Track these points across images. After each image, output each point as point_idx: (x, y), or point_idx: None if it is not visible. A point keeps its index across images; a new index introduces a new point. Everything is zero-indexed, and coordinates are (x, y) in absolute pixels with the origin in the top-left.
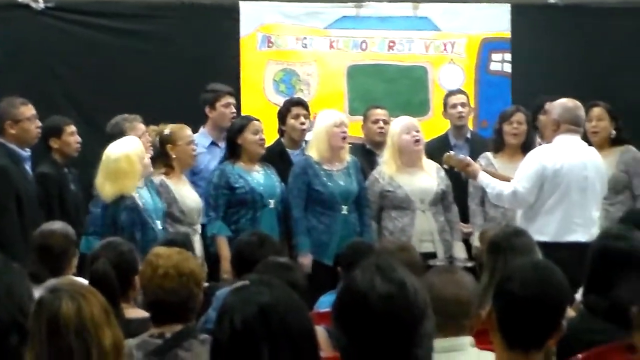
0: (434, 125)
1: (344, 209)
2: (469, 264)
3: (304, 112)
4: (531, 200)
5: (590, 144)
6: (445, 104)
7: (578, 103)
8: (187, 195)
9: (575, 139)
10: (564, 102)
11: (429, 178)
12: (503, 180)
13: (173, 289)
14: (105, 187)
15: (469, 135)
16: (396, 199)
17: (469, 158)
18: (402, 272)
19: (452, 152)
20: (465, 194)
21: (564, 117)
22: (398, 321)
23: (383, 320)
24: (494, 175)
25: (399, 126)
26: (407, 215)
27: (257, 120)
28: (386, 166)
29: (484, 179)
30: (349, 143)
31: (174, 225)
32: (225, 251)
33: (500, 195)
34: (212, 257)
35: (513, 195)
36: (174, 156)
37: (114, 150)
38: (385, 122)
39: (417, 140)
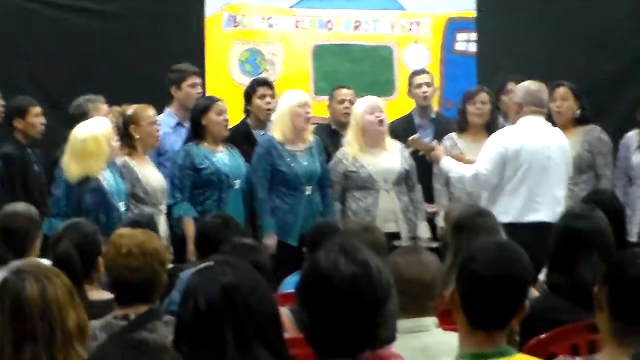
0: (399, 105)
1: (308, 190)
2: (434, 245)
3: (270, 92)
4: (494, 182)
5: (555, 124)
6: (410, 84)
7: (542, 85)
8: (151, 175)
9: (539, 120)
10: (527, 85)
11: (392, 158)
12: (466, 164)
13: (137, 267)
14: (71, 167)
15: (433, 116)
16: (360, 179)
17: (434, 142)
18: (366, 253)
19: (417, 136)
20: (430, 174)
21: (526, 100)
22: (362, 302)
23: (347, 301)
24: (458, 159)
25: (362, 107)
26: (371, 195)
27: (221, 100)
28: (349, 147)
29: (446, 164)
30: (315, 123)
31: (138, 206)
32: (192, 233)
33: (463, 179)
34: (178, 239)
35: (475, 177)
36: (137, 137)
37: (82, 131)
38: (351, 103)
39: (381, 121)
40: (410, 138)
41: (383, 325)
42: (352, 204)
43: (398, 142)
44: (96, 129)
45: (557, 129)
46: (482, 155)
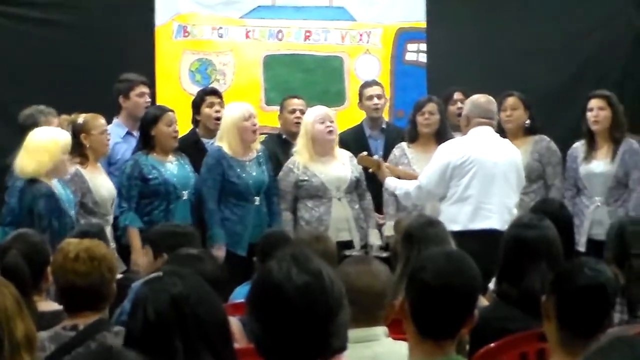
0: (350, 115)
1: (257, 200)
2: (384, 254)
3: (218, 100)
4: (438, 193)
5: (504, 134)
6: (360, 95)
7: (490, 98)
8: (102, 184)
9: (487, 130)
10: (475, 98)
11: (342, 167)
12: (412, 178)
13: (85, 272)
14: (23, 162)
15: (384, 126)
16: (312, 187)
17: (381, 160)
18: (318, 263)
19: (365, 153)
20: (378, 183)
21: (474, 112)
22: (314, 311)
23: (299, 311)
24: (405, 174)
25: (312, 116)
26: (323, 204)
27: (171, 111)
28: (299, 156)
29: (390, 183)
30: (265, 133)
31: (86, 216)
32: (136, 242)
33: (408, 194)
34: (123, 249)
35: (418, 190)
36: (87, 145)
37: (42, 131)
38: (302, 112)
39: (331, 131)
40: (359, 155)
41: (335, 334)
42: (305, 213)
43: (347, 151)
44: (57, 135)
45: (506, 139)
46: (427, 168)
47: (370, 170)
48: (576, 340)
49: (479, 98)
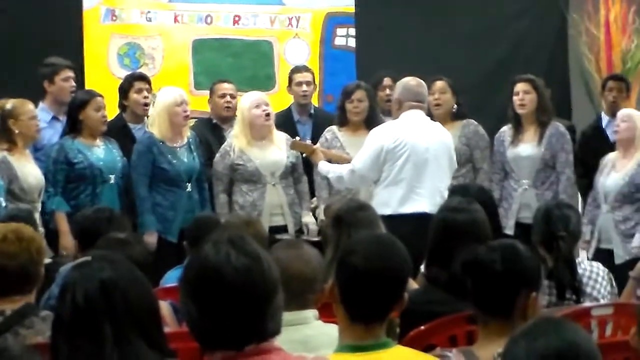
0: (280, 99)
1: (188, 186)
2: (315, 238)
3: (147, 86)
4: (371, 177)
5: (432, 117)
6: (290, 80)
7: (420, 81)
8: (30, 172)
9: (418, 114)
10: (406, 81)
11: (279, 151)
12: (344, 162)
13: (13, 253)
14: None
15: (312, 111)
16: (246, 172)
17: (315, 146)
18: (255, 246)
19: (298, 138)
20: (311, 167)
21: (405, 95)
22: (253, 294)
23: (239, 294)
24: (337, 157)
25: (248, 101)
26: (257, 189)
27: (100, 95)
28: (236, 139)
29: (323, 167)
30: (195, 118)
31: (14, 202)
32: (64, 227)
33: (341, 178)
34: (51, 234)
35: (351, 174)
36: (16, 131)
37: None
38: (232, 97)
39: (267, 115)
40: (292, 140)
41: (271, 317)
42: (239, 198)
43: (284, 134)
44: None
45: (437, 122)
46: (360, 152)
47: (304, 154)
48: (489, 320)
49: (409, 81)
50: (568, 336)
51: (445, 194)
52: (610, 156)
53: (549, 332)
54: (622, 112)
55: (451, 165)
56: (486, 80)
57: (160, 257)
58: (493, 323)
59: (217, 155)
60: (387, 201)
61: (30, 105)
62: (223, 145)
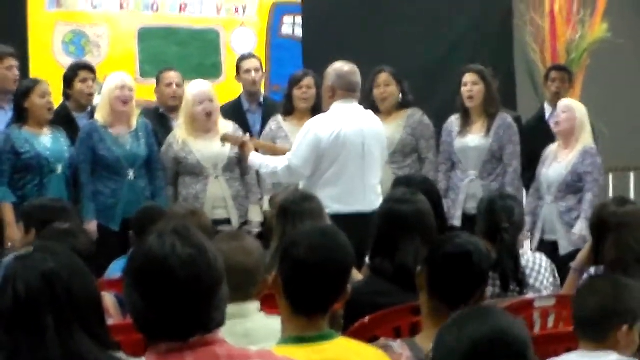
0: (227, 88)
1: (131, 174)
2: (256, 230)
3: (92, 76)
4: (307, 173)
5: (377, 109)
6: (238, 68)
7: (353, 67)
8: None
9: (352, 106)
10: (339, 67)
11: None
12: (280, 153)
13: None
14: None
15: (262, 100)
16: (188, 165)
17: (246, 137)
18: (200, 237)
19: (227, 132)
20: None
21: (338, 82)
22: (199, 285)
23: (185, 285)
24: (271, 149)
25: (192, 95)
26: (199, 182)
27: (45, 82)
28: (180, 130)
29: (255, 160)
30: (141, 106)
31: None
32: (10, 217)
33: (275, 172)
34: None
35: (287, 169)
36: None
37: None
38: (178, 85)
39: (209, 113)
40: (222, 134)
41: (217, 308)
42: (182, 190)
43: (231, 124)
44: None
45: (369, 112)
46: (294, 145)
47: (234, 148)
48: (445, 311)
49: (342, 67)
50: (498, 323)
51: (379, 189)
52: (552, 147)
53: (480, 319)
54: (561, 103)
55: (383, 157)
56: (432, 69)
57: (103, 246)
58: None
59: (163, 147)
60: (323, 200)
61: None
62: (168, 137)
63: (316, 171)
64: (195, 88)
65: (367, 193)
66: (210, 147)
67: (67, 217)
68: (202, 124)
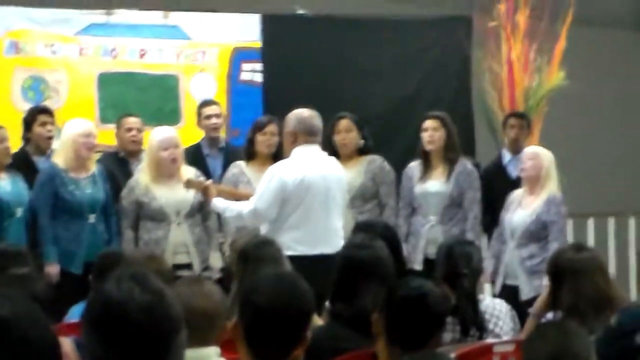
0: (185, 134)
1: (91, 218)
2: (217, 275)
3: (51, 119)
4: (272, 216)
5: (337, 155)
6: (199, 114)
7: (313, 112)
8: None
9: (314, 150)
10: (299, 112)
11: (185, 190)
12: (242, 197)
13: None
14: None
15: (222, 145)
16: (150, 210)
17: (209, 182)
18: (158, 283)
19: (191, 177)
20: None
21: (299, 128)
22: (158, 331)
23: (143, 331)
24: (233, 193)
25: (156, 140)
26: (161, 228)
27: (2, 128)
28: (143, 175)
29: (219, 204)
30: (100, 151)
31: None
32: None
33: (241, 215)
34: None
35: (253, 213)
36: None
37: None
38: (139, 130)
39: (174, 159)
40: (186, 179)
41: (175, 354)
42: (144, 234)
43: (193, 170)
44: None
45: (331, 157)
46: (259, 189)
47: (196, 192)
48: (403, 356)
49: (303, 112)
50: None
51: (341, 232)
52: (517, 193)
53: None
54: (528, 150)
55: (344, 201)
56: (391, 115)
57: (63, 290)
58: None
59: (124, 190)
60: (288, 243)
61: None
62: (130, 180)
63: (281, 214)
64: (160, 134)
65: (331, 235)
66: (174, 194)
67: (23, 262)
68: (166, 169)
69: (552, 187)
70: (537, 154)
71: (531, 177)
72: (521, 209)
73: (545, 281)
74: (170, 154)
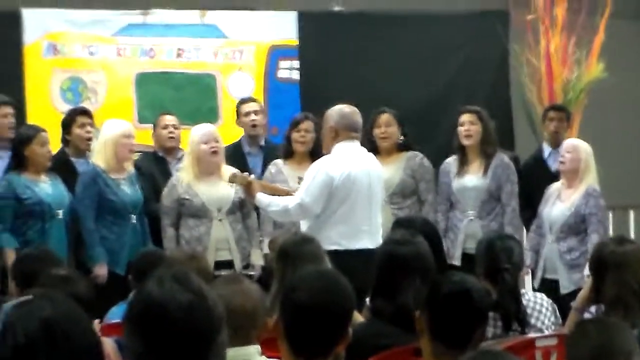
0: (224, 133)
1: (133, 218)
2: (253, 273)
3: (89, 121)
4: (317, 210)
5: (377, 150)
6: (238, 112)
7: (354, 109)
8: None
9: (355, 146)
10: (340, 108)
11: (226, 186)
12: (282, 194)
13: None
14: None
15: (263, 143)
16: (193, 207)
17: (252, 177)
18: (199, 282)
19: (236, 172)
20: None
21: (341, 123)
22: (198, 331)
23: (184, 331)
24: (273, 190)
25: (197, 135)
26: (203, 224)
27: (44, 131)
28: (185, 173)
29: (263, 200)
30: (139, 151)
31: None
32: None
33: (287, 210)
34: (1, 271)
35: (299, 207)
36: None
37: None
38: (175, 128)
39: (215, 151)
40: (230, 174)
41: (216, 354)
42: (185, 232)
43: (234, 169)
44: None
45: (370, 154)
46: (304, 184)
47: (241, 188)
48: (448, 353)
49: (344, 109)
50: None
51: (381, 229)
52: (555, 186)
53: None
54: (567, 143)
55: (383, 198)
56: (428, 111)
57: (108, 290)
58: (448, 354)
59: (165, 188)
60: (330, 237)
61: None
62: (171, 179)
63: (326, 209)
64: (200, 129)
65: (373, 231)
66: (215, 190)
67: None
68: (207, 164)
69: (590, 180)
70: (575, 147)
71: (569, 170)
72: (560, 202)
73: (586, 274)
74: (211, 147)
